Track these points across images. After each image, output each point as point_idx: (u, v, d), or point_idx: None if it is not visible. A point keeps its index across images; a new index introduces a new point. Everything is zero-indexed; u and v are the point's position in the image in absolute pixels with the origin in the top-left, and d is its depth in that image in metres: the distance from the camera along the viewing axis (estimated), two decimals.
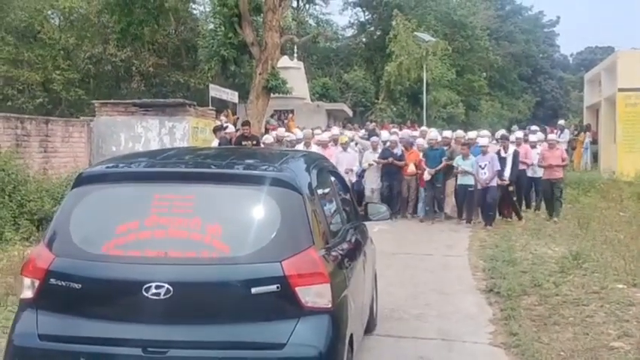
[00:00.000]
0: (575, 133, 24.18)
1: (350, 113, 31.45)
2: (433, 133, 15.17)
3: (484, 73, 44.37)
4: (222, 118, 22.47)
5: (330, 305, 3.71)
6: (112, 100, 16.01)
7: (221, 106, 24.36)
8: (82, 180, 4.05)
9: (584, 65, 62.22)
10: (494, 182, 13.01)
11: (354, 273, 4.58)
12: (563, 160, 14.05)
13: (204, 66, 27.61)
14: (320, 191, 4.45)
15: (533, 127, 22.93)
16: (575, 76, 60.95)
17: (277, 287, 3.57)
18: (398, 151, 14.44)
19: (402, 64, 32.88)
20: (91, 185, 4.01)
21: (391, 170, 14.32)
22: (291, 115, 24.38)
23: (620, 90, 20.68)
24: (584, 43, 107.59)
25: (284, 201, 3.81)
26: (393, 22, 34.44)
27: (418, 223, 14.08)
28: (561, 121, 25.90)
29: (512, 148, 13.84)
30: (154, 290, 3.52)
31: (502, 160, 13.29)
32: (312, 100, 30.62)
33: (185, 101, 15.17)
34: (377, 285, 6.33)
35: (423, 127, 18.86)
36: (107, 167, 4.29)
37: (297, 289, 3.59)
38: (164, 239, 3.71)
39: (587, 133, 23.42)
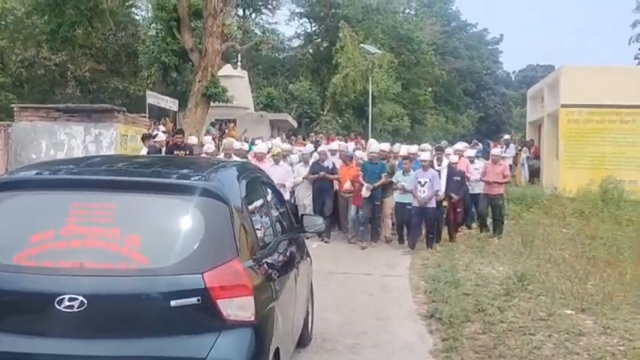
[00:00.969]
0: (519, 148, 24.11)
1: (294, 124, 30.81)
2: (374, 146, 13.59)
3: (429, 88, 44.51)
4: (160, 127, 21.66)
5: (252, 318, 3.60)
6: (32, 104, 14.87)
7: (162, 114, 23.49)
8: None
9: (526, 82, 63.40)
10: (434, 202, 11.89)
11: (284, 285, 4.49)
12: (504, 177, 13.45)
13: (145, 72, 26.79)
14: (249, 202, 4.32)
15: (473, 142, 22.98)
16: (517, 93, 62.16)
17: (198, 300, 3.46)
18: (329, 163, 13.06)
19: (347, 75, 32.58)
20: (7, 192, 3.85)
21: (323, 186, 12.93)
22: (232, 125, 23.55)
23: (563, 106, 20.61)
24: (526, 60, 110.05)
25: (208, 211, 3.70)
26: (340, 34, 34.11)
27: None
28: (507, 136, 25.92)
29: (446, 160, 13.06)
30: (67, 303, 3.39)
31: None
32: (255, 110, 29.87)
33: (113, 107, 14.21)
34: (313, 298, 6.26)
35: (371, 140, 18.02)
36: (25, 174, 4.17)
37: (218, 301, 3.49)
38: (80, 249, 3.56)
39: (524, 148, 23.31)
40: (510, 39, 72.97)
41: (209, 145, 13.45)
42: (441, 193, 12.12)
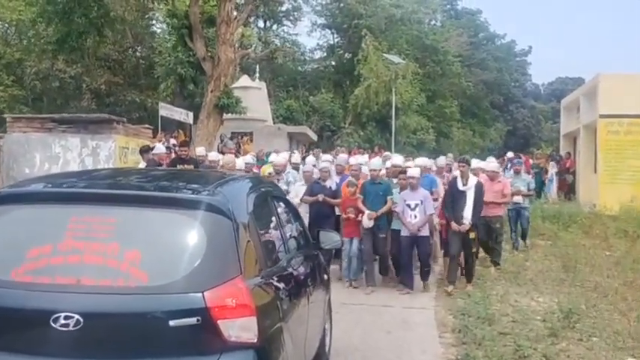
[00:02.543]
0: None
1: (314, 137, 29.70)
2: (375, 162, 10.70)
3: (455, 100, 43.21)
4: (172, 140, 20.73)
5: (255, 340, 3.44)
6: (25, 115, 13.89)
7: (177, 127, 22.64)
8: None
9: (555, 95, 62.10)
10: (426, 230, 9.60)
11: (295, 304, 4.29)
12: (503, 196, 11.11)
13: (161, 85, 26.07)
14: (258, 217, 4.12)
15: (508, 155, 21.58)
16: (546, 106, 60.62)
17: (198, 320, 3.32)
18: (332, 184, 10.35)
19: (370, 86, 31.48)
20: (6, 206, 3.79)
21: (322, 211, 9.94)
22: (245, 138, 22.47)
23: (602, 116, 19.15)
24: (555, 73, 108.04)
25: (212, 227, 3.57)
26: (363, 44, 33.01)
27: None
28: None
29: (473, 178, 9.80)
30: (62, 321, 3.29)
31: (461, 195, 9.48)
32: (274, 122, 28.84)
33: (111, 117, 13.15)
34: (332, 316, 6.03)
35: (386, 153, 15.73)
36: (25, 187, 4.13)
37: (219, 322, 3.35)
38: (78, 265, 3.47)
39: (552, 162, 21.78)
40: (539, 51, 71.29)
41: (213, 153, 12.06)
42: (466, 222, 9.33)
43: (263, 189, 4.68)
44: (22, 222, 3.74)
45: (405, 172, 9.89)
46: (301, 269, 4.80)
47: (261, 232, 4.14)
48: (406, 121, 33.52)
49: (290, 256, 4.63)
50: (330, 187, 10.25)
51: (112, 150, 12.39)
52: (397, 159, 11.50)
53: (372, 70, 31.76)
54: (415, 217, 9.37)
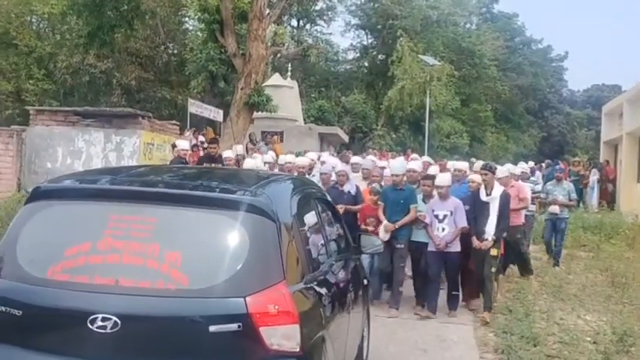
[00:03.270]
0: (587, 168, 21.75)
1: (345, 138, 29.12)
2: (397, 164, 9.19)
3: (490, 105, 42.29)
4: (200, 137, 20.36)
5: (297, 349, 3.31)
6: (49, 108, 13.57)
7: (207, 125, 22.31)
8: (37, 195, 3.75)
9: (591, 102, 60.89)
10: (457, 245, 8.30)
11: (336, 311, 4.21)
12: (520, 200, 9.77)
13: (192, 82, 25.81)
14: (301, 220, 4.01)
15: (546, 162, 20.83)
16: (582, 113, 59.35)
17: (239, 326, 3.20)
18: (351, 188, 9.01)
19: (404, 88, 30.76)
20: (46, 201, 3.69)
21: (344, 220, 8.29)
22: (275, 137, 21.94)
23: None
24: (591, 80, 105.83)
25: (255, 229, 3.45)
26: (398, 44, 32.33)
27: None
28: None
29: (499, 187, 8.48)
30: (99, 323, 3.20)
31: (483, 206, 8.27)
32: (305, 122, 28.35)
33: (137, 111, 12.76)
34: (370, 321, 5.90)
35: (414, 155, 14.65)
36: (66, 182, 3.97)
37: (261, 329, 3.22)
38: (117, 265, 3.37)
39: (594, 170, 20.91)
40: (574, 57, 70.02)
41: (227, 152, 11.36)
42: (489, 237, 8.12)
43: (306, 190, 4.56)
44: (60, 218, 3.65)
45: (429, 177, 8.73)
46: (343, 274, 4.68)
47: (305, 235, 4.01)
48: (440, 124, 32.79)
49: (332, 260, 4.52)
50: (349, 192, 8.95)
51: (136, 146, 12.00)
52: (414, 164, 9.81)
53: (407, 71, 31.07)
54: (443, 229, 8.16)
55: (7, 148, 11.77)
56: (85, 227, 3.59)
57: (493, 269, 8.21)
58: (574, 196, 12.53)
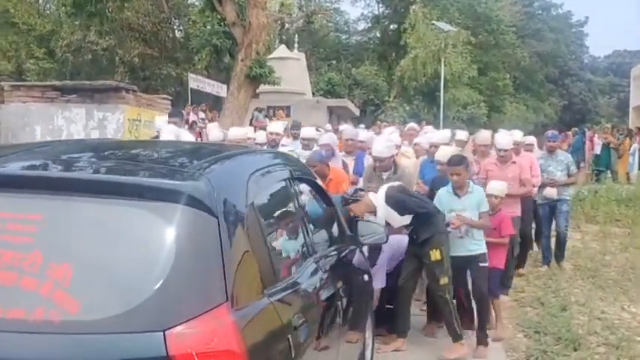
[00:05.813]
0: (620, 136, 20.39)
1: (356, 112, 27.96)
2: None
3: (508, 73, 40.79)
4: (201, 113, 19.35)
5: None
6: (24, 83, 12.50)
7: (214, 101, 21.40)
8: None
9: (612, 69, 58.99)
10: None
11: (319, 328, 3.05)
12: (522, 182, 7.59)
13: (196, 57, 24.84)
14: (264, 211, 2.87)
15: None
16: (603, 79, 57.52)
17: None
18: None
19: (417, 57, 29.49)
20: None
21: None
22: (280, 112, 20.82)
23: None
24: (612, 46, 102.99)
25: (185, 229, 2.31)
26: (411, 11, 30.98)
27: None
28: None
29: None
30: None
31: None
32: (314, 96, 27.20)
33: (120, 84, 11.64)
34: (373, 320, 4.68)
35: (427, 127, 12.67)
36: None
37: None
38: None
39: (638, 137, 19.63)
40: (595, 23, 67.32)
41: (213, 130, 9.43)
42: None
43: (279, 169, 3.38)
44: None
45: (456, 162, 5.85)
46: (331, 275, 3.53)
47: (269, 231, 2.95)
48: (456, 94, 31.48)
49: (314, 259, 3.38)
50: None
51: (120, 122, 10.89)
52: (461, 133, 8.64)
53: (420, 39, 29.80)
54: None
55: None
56: None
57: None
58: (574, 168, 9.30)
